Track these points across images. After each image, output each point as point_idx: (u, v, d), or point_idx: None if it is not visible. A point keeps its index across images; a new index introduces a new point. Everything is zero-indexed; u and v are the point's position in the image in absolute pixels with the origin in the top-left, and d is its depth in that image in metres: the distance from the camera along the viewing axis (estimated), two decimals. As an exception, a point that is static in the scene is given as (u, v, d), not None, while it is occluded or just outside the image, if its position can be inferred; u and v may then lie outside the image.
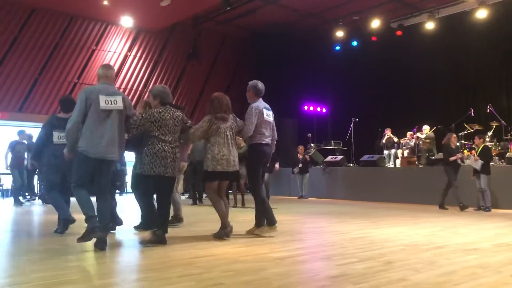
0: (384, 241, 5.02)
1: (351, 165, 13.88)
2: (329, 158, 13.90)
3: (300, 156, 13.19)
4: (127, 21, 15.80)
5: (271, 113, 5.55)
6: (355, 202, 11.64)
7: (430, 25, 14.42)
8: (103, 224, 4.41)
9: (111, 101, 4.48)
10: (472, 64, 14.15)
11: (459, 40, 13.95)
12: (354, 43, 16.25)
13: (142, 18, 15.65)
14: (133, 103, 16.55)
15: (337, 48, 16.66)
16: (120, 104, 4.53)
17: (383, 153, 13.86)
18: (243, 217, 7.35)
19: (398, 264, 3.76)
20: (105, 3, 14.30)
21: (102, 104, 4.41)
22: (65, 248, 4.58)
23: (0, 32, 14.10)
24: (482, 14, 13.11)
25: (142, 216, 5.89)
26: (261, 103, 5.51)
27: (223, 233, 5.09)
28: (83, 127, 4.40)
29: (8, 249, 4.41)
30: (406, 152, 13.32)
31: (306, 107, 17.51)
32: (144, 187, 4.81)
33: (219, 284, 3.11)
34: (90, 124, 4.39)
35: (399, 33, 15.14)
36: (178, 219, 6.43)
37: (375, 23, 14.90)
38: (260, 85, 5.67)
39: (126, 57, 16.59)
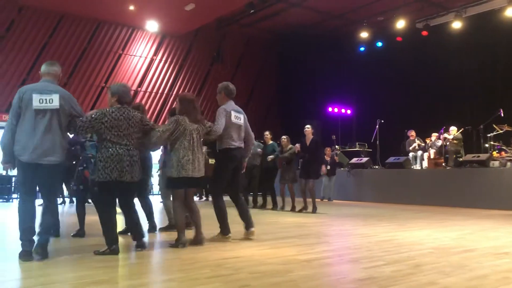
0: (411, 244, 4.96)
1: (377, 167, 13.73)
2: (354, 160, 13.79)
3: (327, 158, 13.08)
4: (152, 25, 16.04)
5: (242, 116, 5.32)
6: (381, 204, 11.52)
7: (457, 25, 14.16)
8: (43, 232, 4.11)
9: (46, 99, 4.07)
10: (500, 64, 13.82)
11: (487, 39, 13.65)
12: (379, 44, 16.09)
13: (167, 23, 15.86)
14: (158, 107, 16.83)
15: (362, 49, 16.53)
16: (55, 103, 4.09)
17: (409, 155, 13.65)
18: (274, 219, 7.36)
19: (427, 267, 3.71)
20: (131, 8, 14.57)
21: (35, 104, 4.03)
22: (93, 248, 4.68)
23: (31, 39, 14.50)
24: (511, 12, 12.81)
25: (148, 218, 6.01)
26: (230, 105, 5.24)
27: (177, 244, 4.73)
28: (17, 129, 4.05)
29: (42, 250, 4.50)
30: (433, 154, 13.09)
31: (330, 109, 17.42)
32: (103, 196, 4.43)
33: (246, 285, 3.14)
34: (24, 126, 4.03)
35: (425, 33, 14.91)
36: (171, 226, 5.96)
37: (400, 24, 14.72)
38: (231, 86, 5.47)
39: (151, 61, 16.84)
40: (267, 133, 10.08)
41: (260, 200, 10.32)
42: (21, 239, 4.01)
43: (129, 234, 5.47)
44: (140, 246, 4.55)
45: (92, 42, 15.62)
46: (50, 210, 4.22)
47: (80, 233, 5.55)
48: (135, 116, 4.45)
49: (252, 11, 14.87)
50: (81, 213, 5.61)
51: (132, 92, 16.08)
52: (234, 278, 3.33)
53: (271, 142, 9.90)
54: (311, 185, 8.86)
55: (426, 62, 14.74)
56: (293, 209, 9.34)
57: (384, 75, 15.72)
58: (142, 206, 6.01)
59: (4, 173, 11.62)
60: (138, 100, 16.42)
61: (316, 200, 9.24)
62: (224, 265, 3.80)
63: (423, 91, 14.97)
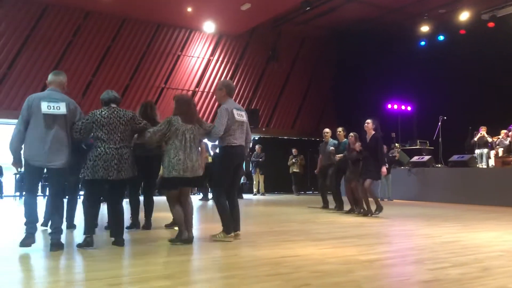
0: (478, 246, 4.73)
1: (439, 165, 13.22)
2: (415, 158, 13.35)
3: (385, 156, 12.78)
4: (209, 26, 16.32)
5: (244, 113, 5.23)
6: (444, 204, 11.08)
7: (527, 14, 13.34)
8: (55, 228, 4.40)
9: (53, 106, 4.37)
10: None
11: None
12: (441, 38, 15.46)
13: (223, 23, 16.09)
14: (215, 106, 17.11)
15: (422, 43, 15.96)
16: (63, 110, 4.40)
17: (474, 153, 13.04)
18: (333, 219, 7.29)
19: (497, 271, 3.53)
20: (189, 10, 14.91)
21: (44, 109, 4.32)
22: (155, 245, 4.83)
23: (96, 43, 15.20)
24: None
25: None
26: (231, 104, 5.16)
27: (177, 240, 4.79)
28: (26, 135, 4.35)
29: (100, 244, 4.71)
30: (500, 152, 12.42)
31: (389, 106, 16.95)
32: (88, 193, 4.64)
33: (306, 284, 3.12)
34: (32, 132, 4.34)
35: (491, 24, 14.15)
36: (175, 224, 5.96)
37: (464, 16, 14.07)
38: (232, 84, 5.42)
39: (209, 61, 17.15)
40: (340, 129, 9.38)
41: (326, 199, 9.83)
42: (26, 228, 4.40)
43: (138, 227, 5.86)
44: (118, 243, 4.59)
45: (152, 44, 16.13)
46: (58, 209, 4.50)
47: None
48: (125, 115, 4.63)
49: (307, 8, 14.76)
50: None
51: (190, 93, 16.57)
52: (294, 277, 3.32)
53: (344, 139, 9.13)
54: (367, 184, 7.81)
55: (492, 56, 13.98)
56: (352, 210, 8.59)
57: (447, 70, 15.08)
58: (144, 204, 6.22)
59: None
60: (195, 100, 16.79)
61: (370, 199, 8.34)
62: (283, 263, 3.80)
63: (489, 87, 14.21)
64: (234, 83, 17.35)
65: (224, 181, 5.10)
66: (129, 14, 15.36)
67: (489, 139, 12.97)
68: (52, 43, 14.58)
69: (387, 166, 12.03)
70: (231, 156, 5.06)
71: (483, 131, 13.07)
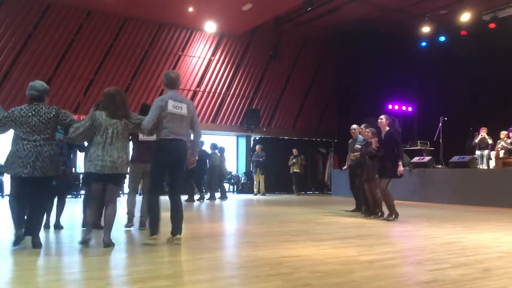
0: (479, 247, 4.74)
1: (440, 166, 13.22)
2: (415, 159, 13.36)
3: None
4: (210, 26, 16.33)
5: (184, 105, 4.84)
6: (445, 205, 11.09)
7: (528, 16, 13.33)
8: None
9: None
10: None
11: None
12: (442, 39, 15.47)
13: (225, 23, 16.10)
14: (216, 106, 17.13)
15: (423, 44, 15.96)
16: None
17: (475, 154, 13.05)
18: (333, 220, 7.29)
19: (497, 272, 3.54)
20: (190, 10, 14.92)
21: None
22: (157, 243, 4.84)
23: (97, 42, 15.22)
24: None
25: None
26: (169, 95, 4.83)
27: (83, 241, 4.58)
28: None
29: (100, 243, 4.72)
30: (501, 153, 12.43)
31: (390, 106, 16.97)
32: (12, 189, 4.64)
33: (307, 284, 3.13)
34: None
35: (492, 25, 14.13)
36: (142, 223, 5.93)
37: (465, 16, 14.07)
38: (173, 74, 4.97)
39: (210, 61, 17.16)
40: (354, 126, 8.94)
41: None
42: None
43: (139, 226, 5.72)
44: (34, 245, 4.43)
45: (153, 44, 16.15)
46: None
47: (57, 224, 5.96)
48: (47, 113, 4.49)
49: (309, 8, 14.77)
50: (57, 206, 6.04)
51: (191, 93, 16.59)
52: (295, 277, 3.34)
53: (359, 136, 8.69)
54: (383, 185, 7.43)
55: (493, 57, 13.99)
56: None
57: (447, 71, 15.10)
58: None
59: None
60: (196, 100, 16.79)
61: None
62: (284, 263, 3.81)
63: (490, 88, 14.23)
64: (235, 83, 17.51)
65: (155, 177, 4.84)
66: (131, 13, 15.38)
67: (490, 141, 12.98)
68: (54, 42, 14.60)
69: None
70: (163, 150, 4.75)
71: (483, 132, 13.09)
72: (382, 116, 7.72)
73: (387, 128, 7.56)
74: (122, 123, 4.67)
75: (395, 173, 7.35)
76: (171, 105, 4.72)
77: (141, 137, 5.69)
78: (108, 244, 4.51)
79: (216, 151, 13.25)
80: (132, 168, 5.74)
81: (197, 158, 5.10)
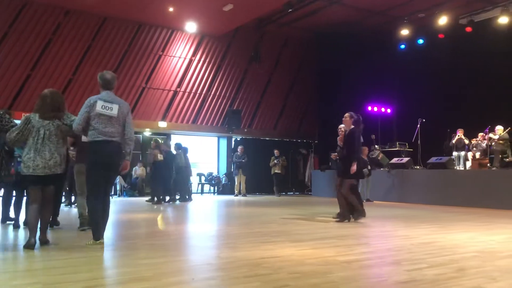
0: (455, 246, 4.82)
1: (418, 167, 13.41)
2: (394, 160, 13.53)
3: (365, 158, 12.89)
4: (191, 26, 16.27)
5: (115, 106, 4.74)
6: (423, 205, 11.25)
7: (503, 20, 13.62)
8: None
9: None
10: (550, 60, 13.22)
11: (536, 34, 13.09)
12: (420, 41, 15.70)
13: (205, 24, 16.05)
14: (196, 106, 17.07)
15: (402, 46, 16.17)
16: None
17: (452, 155, 13.28)
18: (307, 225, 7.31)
19: (472, 271, 3.60)
20: (171, 10, 14.83)
21: None
22: (136, 246, 4.80)
23: (76, 41, 15.01)
24: (562, 6, 12.23)
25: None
26: (101, 95, 4.78)
27: (27, 245, 4.50)
28: None
29: (84, 245, 4.67)
30: (477, 154, 12.68)
31: (370, 108, 17.13)
32: None
33: (285, 285, 3.14)
34: None
35: (468, 29, 14.43)
36: (83, 224, 5.93)
37: (443, 20, 14.31)
38: (109, 75, 4.89)
39: (190, 61, 17.08)
40: (342, 126, 8.17)
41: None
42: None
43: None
44: None
45: (133, 43, 16.00)
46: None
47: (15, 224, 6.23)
48: None
49: (290, 10, 14.83)
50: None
51: (171, 93, 16.49)
52: (273, 278, 3.34)
53: None
54: (346, 186, 7.24)
55: (470, 60, 14.26)
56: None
57: (426, 73, 15.33)
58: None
59: None
60: (177, 100, 16.70)
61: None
62: (263, 264, 3.81)
63: (467, 90, 14.49)
64: (216, 84, 17.47)
65: (89, 180, 4.77)
66: (110, 13, 15.21)
67: (466, 142, 13.21)
68: (31, 41, 14.34)
69: (369, 167, 12.19)
70: (92, 152, 4.71)
71: (460, 134, 13.32)
72: (347, 114, 7.48)
73: (351, 126, 7.38)
74: (55, 124, 4.66)
75: (357, 174, 7.22)
76: (99, 106, 4.65)
77: (84, 138, 5.60)
78: (44, 242, 4.62)
79: (180, 151, 12.88)
80: (77, 169, 5.70)
81: (129, 161, 4.94)
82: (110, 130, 4.68)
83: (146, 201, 12.10)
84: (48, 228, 5.72)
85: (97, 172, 4.68)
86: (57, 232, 5.90)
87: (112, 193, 15.05)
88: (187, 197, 12.95)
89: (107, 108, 4.68)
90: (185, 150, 13.11)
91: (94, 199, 4.69)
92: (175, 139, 17.40)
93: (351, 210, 7.57)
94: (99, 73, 4.92)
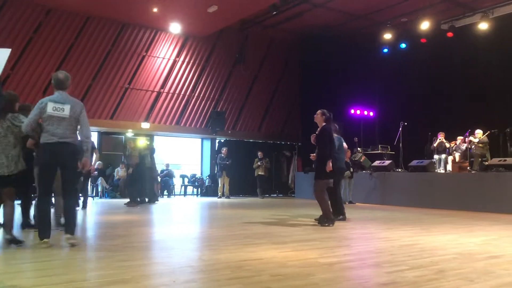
0: (435, 249, 4.88)
1: (400, 170, 13.56)
2: (376, 162, 13.65)
3: (347, 160, 12.98)
4: (175, 27, 16.19)
5: (67, 106, 4.72)
6: (404, 208, 11.37)
7: (483, 26, 13.89)
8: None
9: None
10: (529, 66, 13.51)
11: (514, 40, 13.36)
12: (403, 46, 15.89)
13: (190, 25, 15.99)
14: (180, 108, 16.98)
15: (385, 50, 16.35)
16: None
17: (433, 158, 13.45)
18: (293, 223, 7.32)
19: (451, 273, 3.65)
20: (155, 10, 14.73)
21: None
22: (116, 248, 4.75)
23: (58, 41, 14.81)
24: (540, 13, 12.51)
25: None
26: (53, 96, 4.78)
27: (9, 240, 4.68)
28: None
29: (63, 247, 4.61)
30: (458, 157, 12.87)
31: (352, 111, 17.27)
32: None
33: (267, 288, 3.13)
34: None
35: (450, 34, 14.67)
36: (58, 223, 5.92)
37: (425, 25, 14.51)
38: (61, 75, 4.90)
39: (174, 62, 16.99)
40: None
41: None
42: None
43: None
44: None
45: (116, 44, 15.85)
46: None
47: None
48: None
49: (274, 12, 14.87)
50: None
51: (154, 94, 16.38)
52: (255, 280, 3.33)
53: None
54: (317, 188, 6.95)
55: (451, 64, 14.51)
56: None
57: (408, 77, 15.53)
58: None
59: None
60: (160, 101, 16.59)
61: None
62: (245, 266, 3.80)
63: (448, 94, 14.73)
64: (200, 85, 17.41)
65: (39, 181, 4.82)
66: (93, 12, 15.03)
67: (447, 145, 13.41)
68: (11, 40, 14.06)
69: (352, 170, 12.27)
70: (44, 154, 4.71)
71: (441, 137, 13.50)
72: (318, 112, 7.27)
73: (323, 124, 7.12)
74: (5, 126, 4.68)
75: (322, 174, 6.83)
76: (50, 107, 4.64)
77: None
78: (10, 242, 4.64)
79: (147, 151, 12.59)
80: (36, 171, 5.67)
81: (87, 158, 4.96)
82: (63, 131, 4.67)
83: (125, 204, 11.65)
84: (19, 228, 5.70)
85: (48, 174, 4.70)
86: (32, 233, 5.80)
87: (93, 194, 14.90)
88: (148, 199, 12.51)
89: (58, 109, 4.67)
90: (152, 151, 12.93)
91: (43, 200, 4.71)
92: (158, 140, 17.32)
93: (338, 212, 7.58)
94: (53, 74, 4.96)
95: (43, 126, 4.66)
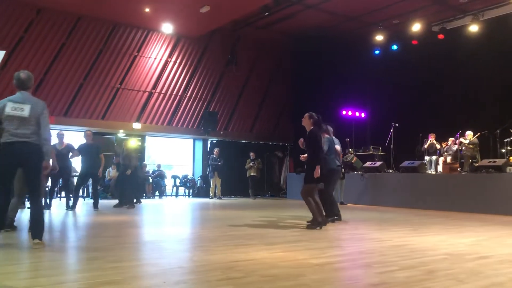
0: (425, 249, 4.90)
1: (391, 171, 13.62)
2: (368, 163, 13.70)
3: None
4: (167, 27, 16.15)
5: (27, 106, 4.69)
6: (395, 209, 11.42)
7: (474, 28, 14.02)
8: None
9: None
10: (518, 68, 13.63)
11: (505, 42, 13.45)
12: (394, 47, 15.98)
13: (182, 25, 15.96)
14: (172, 108, 16.92)
15: (377, 52, 16.44)
16: None
17: (424, 159, 13.53)
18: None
19: (441, 273, 3.67)
20: (147, 10, 14.69)
21: None
22: (107, 249, 4.72)
23: (49, 40, 14.71)
24: (530, 16, 12.64)
25: None
26: (13, 96, 4.78)
27: None
28: None
29: (53, 248, 4.58)
30: (448, 158, 12.96)
31: (344, 112, 17.32)
32: None
33: (258, 288, 3.13)
34: None
35: (441, 36, 14.78)
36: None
37: (416, 27, 14.61)
38: (23, 74, 4.83)
39: (166, 63, 16.95)
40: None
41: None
42: None
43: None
44: None
45: (108, 43, 15.77)
46: None
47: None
48: None
49: (266, 13, 14.88)
50: None
51: (146, 94, 16.32)
52: (245, 281, 3.33)
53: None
54: (303, 190, 6.82)
55: (442, 66, 14.60)
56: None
57: (399, 78, 15.59)
58: None
59: None
60: (152, 101, 16.53)
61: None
62: (236, 267, 3.80)
63: (439, 95, 14.82)
64: (192, 85, 17.37)
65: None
66: (85, 11, 14.95)
67: (438, 146, 13.49)
68: (1, 39, 13.95)
69: (343, 171, 12.26)
70: (3, 153, 4.68)
71: (432, 138, 13.59)
72: (306, 114, 7.08)
73: (311, 127, 6.92)
74: None
75: (311, 178, 6.64)
76: (9, 107, 4.63)
77: None
78: None
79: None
80: None
81: (47, 161, 4.87)
82: (23, 131, 4.64)
83: (114, 206, 11.17)
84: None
85: (7, 174, 4.68)
86: (21, 234, 5.75)
87: (84, 195, 14.80)
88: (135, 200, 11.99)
89: (17, 109, 4.65)
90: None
91: (1, 197, 4.67)
92: (149, 141, 17.26)
93: (331, 213, 7.55)
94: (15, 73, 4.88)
95: (4, 126, 4.65)
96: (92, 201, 11.00)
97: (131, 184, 11.37)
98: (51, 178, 10.34)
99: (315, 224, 6.69)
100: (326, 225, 6.92)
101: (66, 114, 14.87)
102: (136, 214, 9.63)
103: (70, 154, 10.09)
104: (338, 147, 8.23)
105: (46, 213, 9.26)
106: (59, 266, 3.94)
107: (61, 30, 14.96)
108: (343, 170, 12.52)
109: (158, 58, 16.77)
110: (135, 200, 12.08)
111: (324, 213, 7.10)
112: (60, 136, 10.00)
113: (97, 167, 10.25)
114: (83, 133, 10.77)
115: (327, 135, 7.81)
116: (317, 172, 6.57)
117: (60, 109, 14.79)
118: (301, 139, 7.24)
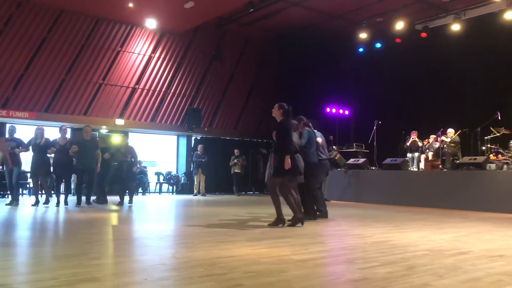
0: (406, 245, 4.96)
1: (374, 168, 13.74)
2: (351, 160, 13.80)
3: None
4: (151, 23, 16.00)
5: None
6: (378, 205, 11.53)
7: (456, 27, 14.19)
8: None
9: None
10: (498, 67, 13.84)
11: (486, 42, 13.68)
12: (378, 45, 16.10)
13: (166, 20, 15.83)
14: (156, 104, 16.79)
15: (361, 50, 16.54)
16: None
17: (406, 156, 13.68)
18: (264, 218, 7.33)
19: (421, 269, 3.71)
20: (130, 5, 14.53)
21: None
22: (88, 245, 4.67)
23: (29, 34, 14.45)
24: (510, 15, 12.83)
25: None
26: None
27: None
28: None
29: (33, 246, 4.52)
30: (430, 155, 13.12)
31: (328, 109, 17.42)
32: None
33: (239, 285, 3.12)
34: None
35: (423, 35, 14.94)
36: None
37: (399, 25, 14.74)
38: None
39: (150, 58, 16.80)
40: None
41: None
42: None
43: None
44: None
45: (90, 38, 15.56)
46: None
47: None
48: None
49: (251, 10, 14.85)
50: None
51: (129, 90, 16.17)
52: (227, 278, 3.32)
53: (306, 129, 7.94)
54: (270, 185, 6.76)
55: (425, 64, 14.77)
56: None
57: (383, 76, 15.74)
58: None
59: None
60: (135, 97, 16.38)
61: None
62: (218, 264, 3.79)
63: (421, 93, 15.00)
64: (176, 81, 17.26)
65: None
66: (66, 5, 14.72)
67: (420, 144, 13.65)
68: (-20, 32, 13.71)
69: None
70: None
71: (414, 136, 13.74)
72: (276, 105, 6.95)
73: (281, 118, 6.79)
74: None
75: (280, 171, 6.38)
76: None
77: None
78: None
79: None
80: None
81: None
82: None
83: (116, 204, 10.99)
84: None
85: None
86: None
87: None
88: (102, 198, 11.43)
89: None
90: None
91: None
92: (133, 137, 17.10)
93: (311, 210, 7.50)
94: None
95: None
96: (75, 197, 10.82)
97: (131, 180, 10.98)
98: (55, 175, 10.55)
99: (279, 221, 6.48)
100: (302, 224, 6.57)
101: (48, 110, 14.65)
102: (119, 211, 9.54)
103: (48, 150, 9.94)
104: (320, 139, 7.95)
105: (33, 208, 9.15)
106: (36, 263, 3.89)
107: (42, 24, 14.71)
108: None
109: (142, 53, 16.61)
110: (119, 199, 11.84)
111: (303, 210, 6.96)
112: (39, 131, 9.86)
113: (95, 163, 10.19)
114: (58, 128, 10.54)
115: (307, 128, 7.67)
116: (287, 163, 6.26)
117: (41, 104, 14.56)
118: (274, 132, 7.00)
